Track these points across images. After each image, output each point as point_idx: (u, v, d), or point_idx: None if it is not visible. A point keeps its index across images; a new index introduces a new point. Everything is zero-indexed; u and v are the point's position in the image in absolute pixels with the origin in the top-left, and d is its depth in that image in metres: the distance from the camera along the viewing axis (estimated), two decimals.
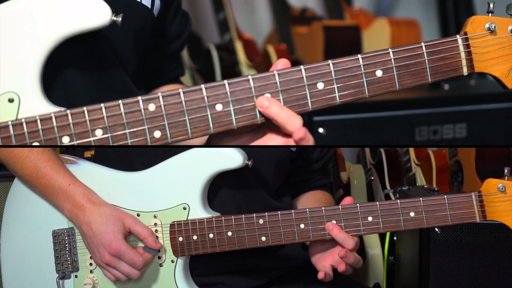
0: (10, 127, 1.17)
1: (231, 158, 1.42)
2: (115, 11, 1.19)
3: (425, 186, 2.40)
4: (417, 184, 2.85)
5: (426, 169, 2.85)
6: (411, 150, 2.94)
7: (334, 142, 2.18)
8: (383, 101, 2.30)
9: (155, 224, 1.47)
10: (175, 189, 1.46)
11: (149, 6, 1.45)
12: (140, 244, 1.46)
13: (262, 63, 2.94)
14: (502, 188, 1.32)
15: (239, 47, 2.96)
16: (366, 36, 2.93)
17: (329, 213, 1.40)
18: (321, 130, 2.15)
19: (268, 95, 1.20)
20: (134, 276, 1.43)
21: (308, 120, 2.15)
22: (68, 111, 1.18)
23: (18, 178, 1.55)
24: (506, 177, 1.33)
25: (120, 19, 1.19)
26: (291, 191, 1.72)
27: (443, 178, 2.78)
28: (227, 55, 2.96)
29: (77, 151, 2.38)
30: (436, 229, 2.09)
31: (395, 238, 2.51)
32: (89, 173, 1.51)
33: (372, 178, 3.13)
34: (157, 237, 1.47)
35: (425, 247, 2.12)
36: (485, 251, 2.09)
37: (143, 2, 1.43)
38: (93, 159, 1.59)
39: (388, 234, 2.54)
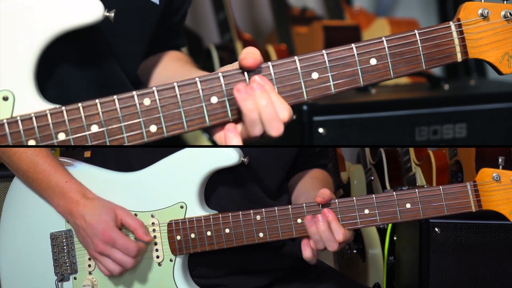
0: (6, 125, 1.17)
1: (227, 155, 1.42)
2: (117, 9, 1.19)
3: (425, 186, 2.39)
4: (417, 184, 2.84)
5: (426, 169, 2.84)
6: (411, 150, 2.94)
7: (334, 142, 2.17)
8: (383, 101, 2.29)
9: (153, 223, 1.47)
10: (172, 188, 1.46)
11: (157, 3, 1.44)
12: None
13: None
14: (496, 177, 1.32)
15: (239, 47, 2.95)
16: (366, 36, 2.92)
17: (325, 207, 1.39)
18: (321, 130, 2.14)
19: None
20: (128, 264, 1.42)
21: (308, 120, 2.15)
22: (63, 108, 1.18)
23: (14, 172, 1.55)
24: (501, 166, 1.33)
25: (112, 14, 1.19)
26: (291, 173, 1.69)
27: (443, 178, 2.78)
28: (227, 55, 2.95)
29: (77, 150, 2.38)
30: (436, 229, 2.09)
31: (395, 238, 2.50)
32: (85, 174, 1.51)
33: (372, 178, 3.13)
34: (154, 236, 1.47)
35: (425, 247, 2.12)
36: (485, 251, 2.09)
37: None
38: (90, 160, 1.59)
39: (388, 234, 2.53)
